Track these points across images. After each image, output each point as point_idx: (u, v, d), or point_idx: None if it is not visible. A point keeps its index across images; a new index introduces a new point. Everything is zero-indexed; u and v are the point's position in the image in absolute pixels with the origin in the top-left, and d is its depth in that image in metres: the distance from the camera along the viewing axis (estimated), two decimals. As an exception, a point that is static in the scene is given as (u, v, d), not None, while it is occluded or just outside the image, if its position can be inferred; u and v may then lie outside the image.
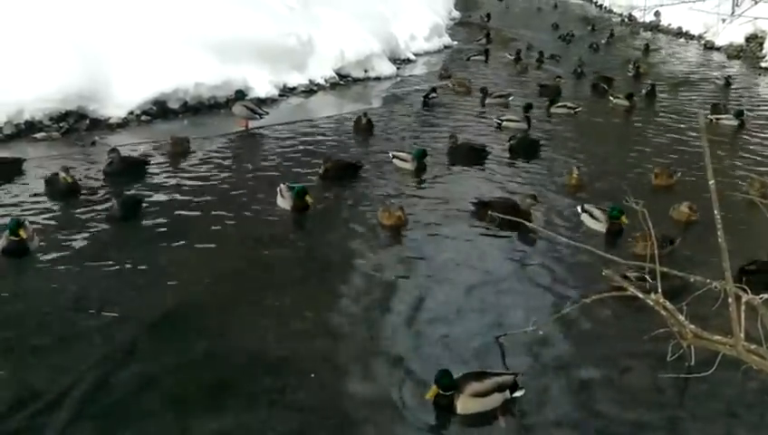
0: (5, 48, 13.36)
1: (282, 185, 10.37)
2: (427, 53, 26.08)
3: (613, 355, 7.17)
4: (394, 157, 12.44)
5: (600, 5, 49.62)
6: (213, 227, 9.59)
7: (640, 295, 4.73)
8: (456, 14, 37.23)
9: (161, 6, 16.55)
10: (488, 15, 37.31)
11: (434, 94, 17.60)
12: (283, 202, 10.17)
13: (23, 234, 8.24)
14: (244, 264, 8.63)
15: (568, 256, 9.17)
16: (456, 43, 29.01)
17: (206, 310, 7.54)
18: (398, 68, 22.52)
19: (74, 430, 5.74)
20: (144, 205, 9.94)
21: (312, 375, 6.54)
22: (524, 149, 13.54)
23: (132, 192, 10.44)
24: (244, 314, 7.53)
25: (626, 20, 41.27)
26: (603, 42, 31.17)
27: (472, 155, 13.08)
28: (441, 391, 6.09)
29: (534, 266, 8.96)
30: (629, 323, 7.53)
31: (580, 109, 17.47)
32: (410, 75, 22.44)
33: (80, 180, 10.61)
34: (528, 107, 16.06)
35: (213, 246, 9.05)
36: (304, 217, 10.11)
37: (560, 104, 17.63)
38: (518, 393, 6.32)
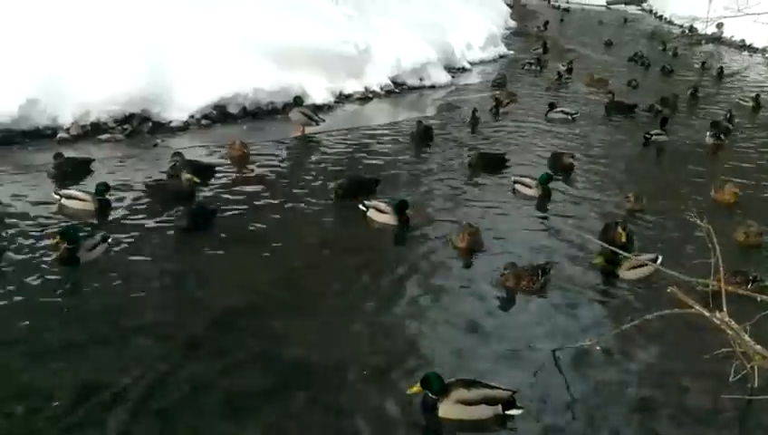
0: (75, 52, 13.80)
1: (374, 201, 10.21)
2: (482, 62, 25.98)
3: (672, 374, 7.03)
4: (516, 182, 11.91)
5: (660, 16, 48.68)
6: (270, 232, 9.72)
7: (706, 314, 4.64)
8: (513, 23, 36.99)
9: (223, 14, 16.90)
10: (545, 25, 36.98)
11: (477, 115, 16.68)
12: (383, 217, 10.00)
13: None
14: (301, 269, 8.73)
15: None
16: (511, 52, 28.83)
17: (262, 313, 7.65)
18: (453, 77, 22.49)
19: (135, 425, 5.90)
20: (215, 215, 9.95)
21: (364, 372, 6.64)
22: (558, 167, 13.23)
23: (200, 202, 10.48)
24: (298, 319, 7.61)
25: (687, 31, 40.37)
26: (670, 54, 30.17)
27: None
28: (430, 394, 6.10)
29: (594, 282, 8.85)
30: (690, 341, 7.37)
31: (577, 114, 17.72)
32: (465, 84, 22.39)
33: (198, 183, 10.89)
34: (664, 120, 16.41)
35: (270, 250, 9.17)
36: (363, 226, 10.17)
37: (557, 109, 17.80)
38: (514, 412, 6.18)
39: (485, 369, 6.85)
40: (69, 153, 11.75)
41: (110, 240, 8.78)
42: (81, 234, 8.63)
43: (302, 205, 10.80)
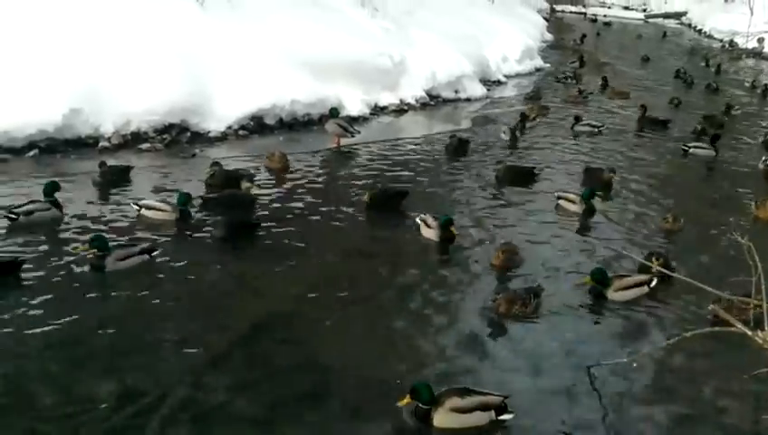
0: (117, 63, 14.13)
1: (422, 215, 10.16)
2: (518, 75, 25.94)
3: (711, 393, 6.93)
4: (560, 198, 11.73)
5: (700, 30, 48.11)
6: (304, 242, 9.81)
7: (748, 332, 4.56)
8: (549, 36, 36.86)
9: (262, 27, 17.15)
10: (582, 39, 36.80)
11: (504, 135, 16.41)
12: (429, 232, 9.96)
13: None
14: (334, 279, 8.78)
15: (668, 289, 8.89)
16: (548, 65, 28.72)
17: (296, 322, 7.73)
18: (488, 89, 22.48)
19: (172, 430, 5.98)
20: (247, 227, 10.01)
21: (398, 382, 6.65)
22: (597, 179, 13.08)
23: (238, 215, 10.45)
24: (331, 328, 7.67)
25: (727, 46, 39.86)
26: (713, 70, 29.33)
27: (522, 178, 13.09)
28: (420, 404, 6.08)
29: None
30: (730, 359, 7.25)
31: (603, 127, 17.58)
32: (500, 97, 22.37)
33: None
34: (716, 137, 16.11)
35: (303, 260, 9.26)
36: (397, 238, 10.21)
37: (584, 122, 17.67)
38: (506, 416, 6.20)
39: (516, 383, 6.83)
40: (110, 162, 12.00)
41: (154, 253, 8.82)
42: (114, 244, 8.80)
43: (338, 215, 10.87)
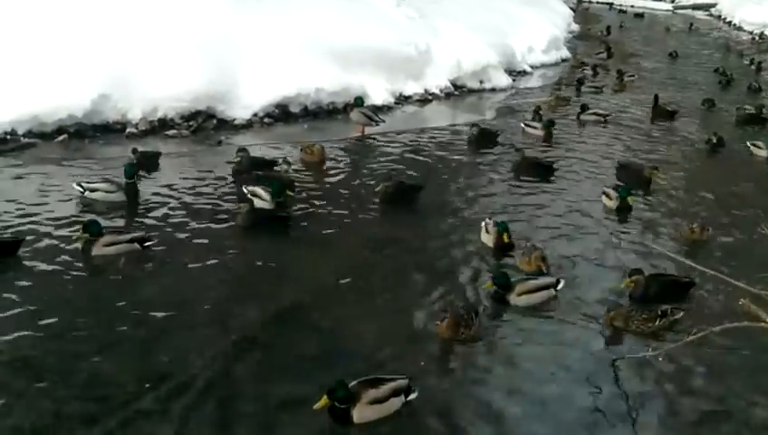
0: (144, 50, 14.23)
1: (487, 219, 9.86)
2: (543, 66, 25.73)
3: (739, 388, 6.87)
4: (604, 193, 11.51)
5: (729, 22, 47.31)
6: (329, 230, 9.86)
7: (779, 328, 4.51)
8: (576, 27, 36.49)
9: (287, 15, 17.17)
10: (608, 29, 36.39)
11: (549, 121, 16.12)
12: (486, 237, 9.61)
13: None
14: (360, 267, 8.82)
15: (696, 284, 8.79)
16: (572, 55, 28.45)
17: (320, 310, 7.75)
18: (513, 80, 22.34)
19: (197, 414, 6.05)
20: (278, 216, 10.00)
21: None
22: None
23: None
24: (356, 316, 7.71)
25: (757, 38, 39.22)
26: (753, 68, 27.60)
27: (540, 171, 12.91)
28: (336, 403, 5.95)
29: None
30: (759, 355, 7.17)
31: (610, 116, 17.47)
32: (525, 87, 22.21)
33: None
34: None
35: (328, 248, 9.32)
36: (424, 226, 10.22)
37: (590, 111, 17.56)
38: (412, 396, 6.21)
39: (537, 377, 6.83)
40: (138, 148, 12.10)
41: (148, 243, 8.81)
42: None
43: (360, 205, 10.85)
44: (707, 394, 6.78)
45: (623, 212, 11.10)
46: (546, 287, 8.22)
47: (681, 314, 7.85)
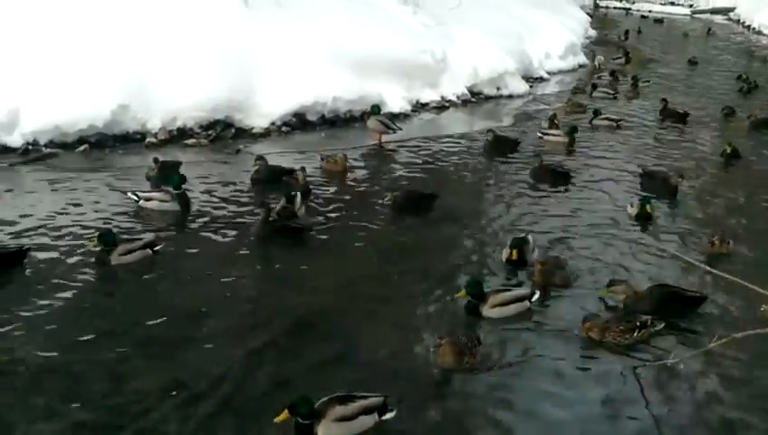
0: (163, 60, 14.37)
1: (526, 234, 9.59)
2: (561, 72, 25.62)
3: (762, 396, 6.77)
4: (631, 204, 11.34)
5: (749, 26, 46.84)
6: (344, 239, 9.88)
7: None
8: (593, 32, 36.33)
9: (304, 24, 17.25)
10: (626, 34, 36.20)
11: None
12: (506, 253, 9.28)
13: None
14: (376, 275, 8.84)
15: (716, 290, 8.72)
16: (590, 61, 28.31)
17: (338, 317, 7.78)
18: (530, 86, 22.27)
19: (216, 422, 6.08)
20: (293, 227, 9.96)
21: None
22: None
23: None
24: (372, 323, 7.74)
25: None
26: None
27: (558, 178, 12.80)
28: (300, 419, 5.78)
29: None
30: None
31: (622, 121, 17.42)
32: (543, 94, 22.13)
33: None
34: None
35: (343, 257, 9.34)
36: (438, 233, 10.20)
37: (603, 116, 17.55)
38: (388, 416, 6.04)
39: (554, 385, 6.80)
40: (159, 157, 12.20)
41: (156, 248, 8.88)
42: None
43: (375, 213, 10.83)
44: (730, 402, 6.69)
45: (643, 221, 10.98)
46: (521, 299, 7.97)
47: (662, 325, 7.64)
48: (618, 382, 6.87)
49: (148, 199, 10.36)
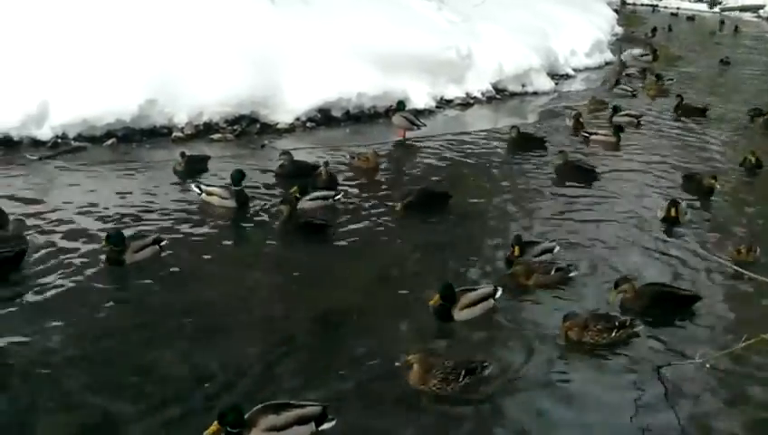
0: (190, 56, 14.50)
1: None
2: (587, 69, 25.44)
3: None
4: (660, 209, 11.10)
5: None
6: (366, 234, 9.91)
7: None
8: (619, 29, 35.95)
9: (330, 20, 17.33)
10: (653, 32, 35.78)
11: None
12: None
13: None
14: (396, 274, 8.87)
15: (747, 291, 8.64)
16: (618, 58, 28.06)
17: (362, 315, 7.78)
18: (556, 83, 22.14)
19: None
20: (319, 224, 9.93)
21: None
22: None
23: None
24: (396, 320, 7.77)
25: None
26: None
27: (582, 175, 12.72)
28: (229, 429, 5.53)
29: (706, 299, 8.40)
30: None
31: (642, 117, 17.32)
32: (568, 91, 21.99)
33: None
34: None
35: (364, 253, 9.37)
36: (461, 231, 10.20)
37: (623, 113, 17.43)
38: (326, 425, 5.83)
39: (573, 382, 6.76)
40: (186, 151, 12.30)
41: (162, 243, 8.86)
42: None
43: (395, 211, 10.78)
44: (756, 403, 6.64)
45: (669, 223, 10.79)
46: (485, 298, 7.85)
47: (641, 326, 7.55)
48: (641, 383, 6.81)
49: (209, 194, 10.43)
